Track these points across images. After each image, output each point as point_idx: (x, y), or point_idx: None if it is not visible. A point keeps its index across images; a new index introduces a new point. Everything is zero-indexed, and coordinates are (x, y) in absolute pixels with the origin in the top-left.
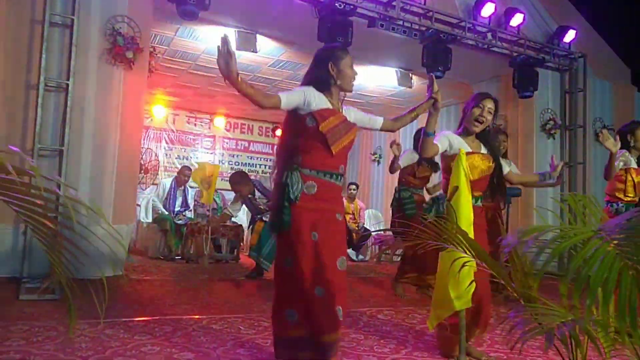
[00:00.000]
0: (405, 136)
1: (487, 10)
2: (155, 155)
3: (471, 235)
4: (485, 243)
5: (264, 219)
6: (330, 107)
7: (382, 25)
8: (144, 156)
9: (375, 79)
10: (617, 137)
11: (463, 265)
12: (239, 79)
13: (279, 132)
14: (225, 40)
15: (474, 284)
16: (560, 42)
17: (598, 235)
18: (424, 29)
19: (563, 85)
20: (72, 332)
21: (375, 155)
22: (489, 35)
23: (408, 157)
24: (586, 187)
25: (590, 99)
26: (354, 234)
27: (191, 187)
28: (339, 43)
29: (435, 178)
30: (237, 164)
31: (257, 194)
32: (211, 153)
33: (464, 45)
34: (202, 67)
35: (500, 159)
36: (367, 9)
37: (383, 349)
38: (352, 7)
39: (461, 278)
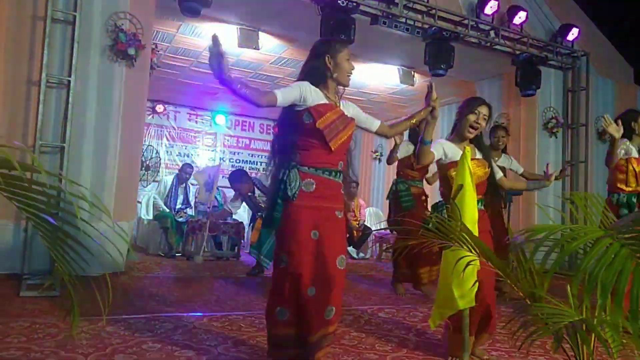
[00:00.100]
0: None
1: (490, 8)
2: (157, 152)
3: (475, 234)
4: (490, 245)
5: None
6: (327, 102)
7: (384, 23)
8: (145, 153)
9: (377, 76)
10: (607, 116)
11: (468, 264)
12: (232, 78)
13: None
14: (216, 40)
15: (477, 284)
16: (563, 40)
17: (608, 234)
18: (426, 26)
19: (566, 83)
20: (75, 330)
21: (377, 154)
22: (492, 33)
23: (404, 148)
24: (588, 185)
25: (593, 98)
26: (354, 232)
27: (192, 184)
28: (338, 38)
29: (434, 167)
30: (238, 161)
31: (257, 192)
32: (212, 150)
33: (466, 43)
34: (204, 64)
35: (496, 158)
36: (369, 6)
37: (384, 347)
38: (354, 4)
39: (465, 277)
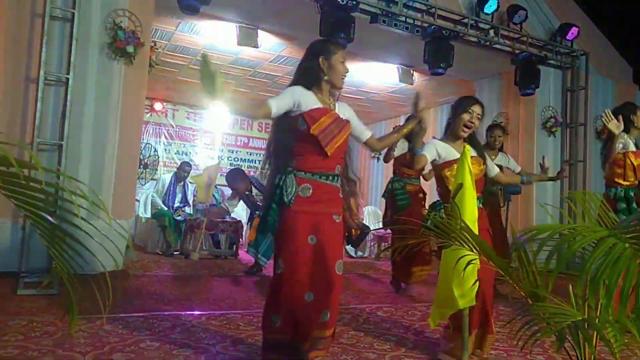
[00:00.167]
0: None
1: (490, 7)
2: (155, 150)
3: (476, 233)
4: (489, 244)
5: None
6: (321, 105)
7: (384, 22)
8: (143, 151)
9: (376, 75)
10: (620, 118)
11: (468, 264)
12: (226, 97)
13: None
14: (206, 59)
15: (477, 283)
16: (563, 39)
17: (613, 234)
18: (426, 25)
19: (565, 83)
20: (73, 329)
21: (375, 153)
22: (492, 32)
23: (400, 146)
24: (586, 184)
25: (592, 97)
26: (352, 230)
27: (191, 182)
28: (334, 38)
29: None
30: (236, 159)
31: (255, 190)
32: (211, 149)
33: (466, 42)
34: None
35: (493, 157)
36: (369, 4)
37: (383, 346)
38: (354, 2)
39: (465, 276)
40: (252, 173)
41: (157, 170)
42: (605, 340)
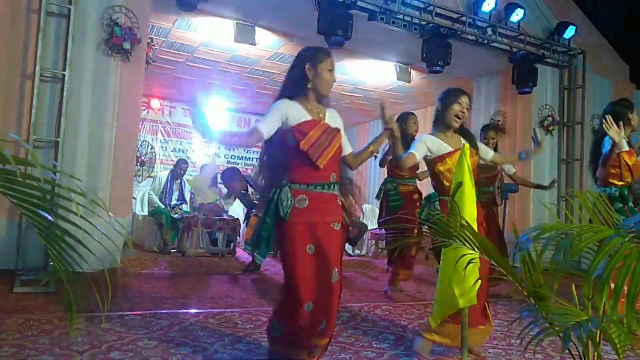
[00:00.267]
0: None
1: (488, 5)
2: (152, 147)
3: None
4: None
5: (259, 214)
6: (309, 117)
7: (382, 19)
8: (140, 149)
9: (374, 73)
10: (609, 118)
11: (469, 262)
12: (219, 135)
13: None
14: (195, 101)
15: (479, 282)
16: (560, 38)
17: (619, 234)
18: (424, 23)
19: (562, 81)
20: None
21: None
22: (489, 30)
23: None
24: (583, 183)
25: (589, 96)
26: (350, 228)
27: (187, 180)
28: (329, 39)
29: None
30: (233, 157)
31: (251, 189)
32: (207, 146)
33: (464, 41)
34: (199, 59)
35: (482, 145)
36: (367, 2)
37: (381, 344)
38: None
39: (466, 275)
40: (248, 171)
41: (154, 167)
42: (611, 340)
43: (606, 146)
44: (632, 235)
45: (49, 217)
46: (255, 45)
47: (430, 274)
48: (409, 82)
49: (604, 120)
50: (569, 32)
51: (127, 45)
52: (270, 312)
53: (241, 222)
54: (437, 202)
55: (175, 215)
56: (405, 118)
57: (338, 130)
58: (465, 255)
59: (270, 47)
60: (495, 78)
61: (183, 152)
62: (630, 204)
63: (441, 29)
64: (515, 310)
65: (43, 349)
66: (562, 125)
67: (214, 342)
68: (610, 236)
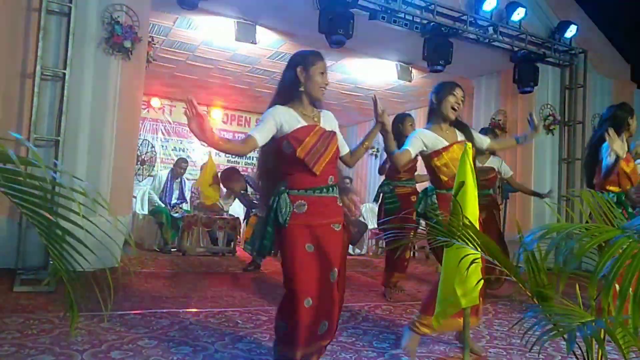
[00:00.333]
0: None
1: (489, 4)
2: (152, 146)
3: None
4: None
5: (258, 213)
6: (304, 123)
7: (383, 18)
8: (140, 147)
9: (374, 72)
10: (612, 132)
11: (472, 262)
12: (215, 138)
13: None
14: (191, 103)
15: (481, 282)
16: (562, 37)
17: (626, 234)
18: (425, 22)
19: (563, 80)
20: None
21: (374, 149)
22: (491, 29)
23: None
24: (583, 183)
25: (590, 95)
26: (350, 228)
27: (188, 179)
28: (314, 49)
29: (422, 168)
30: (233, 156)
31: (250, 189)
32: (208, 145)
33: (465, 40)
34: (199, 58)
35: (484, 159)
36: (368, 0)
37: (382, 344)
38: None
39: (468, 275)
40: (248, 170)
41: (154, 166)
42: (616, 341)
43: (605, 153)
44: (639, 235)
45: (50, 217)
46: (256, 44)
47: (430, 273)
48: (410, 81)
49: (606, 135)
50: (571, 31)
51: (127, 44)
52: (271, 312)
53: (241, 221)
54: (435, 196)
55: (176, 215)
56: (402, 119)
57: (334, 133)
58: (468, 255)
59: (271, 46)
60: (496, 77)
61: (183, 151)
62: (630, 210)
63: (442, 28)
64: (516, 310)
65: (43, 348)
66: (563, 125)
67: (215, 342)
68: (617, 236)
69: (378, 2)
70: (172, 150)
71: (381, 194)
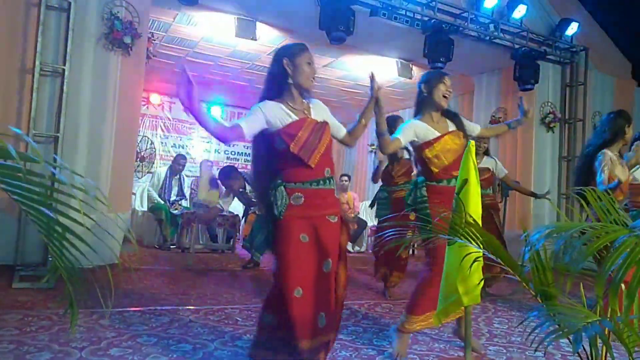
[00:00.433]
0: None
1: (490, 1)
2: (151, 143)
3: None
4: None
5: (257, 211)
6: (295, 117)
7: (384, 15)
8: (140, 144)
9: (375, 69)
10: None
11: (475, 260)
12: (202, 111)
13: None
14: (184, 70)
15: (482, 281)
16: (562, 35)
17: (634, 234)
18: (426, 19)
19: (564, 78)
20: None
21: (373, 147)
22: (492, 26)
23: (381, 162)
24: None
25: (591, 93)
26: (350, 225)
27: (187, 176)
28: (299, 42)
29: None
30: (233, 153)
31: (248, 187)
32: (207, 142)
33: (466, 37)
34: (199, 55)
35: (479, 160)
36: None
37: (382, 341)
38: None
39: (470, 273)
40: (247, 168)
41: (153, 163)
42: (623, 341)
43: (599, 166)
44: None
45: (50, 214)
46: (256, 40)
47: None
48: (410, 78)
49: (603, 166)
50: (572, 29)
51: (127, 40)
52: None
53: (240, 218)
54: (425, 188)
55: (175, 212)
56: (394, 121)
57: (326, 123)
58: (470, 253)
59: (271, 43)
60: (497, 74)
61: (183, 147)
62: None
63: (443, 25)
64: (515, 308)
65: (42, 345)
66: (564, 122)
67: (214, 339)
68: (624, 236)
69: None
70: (172, 147)
71: (377, 200)
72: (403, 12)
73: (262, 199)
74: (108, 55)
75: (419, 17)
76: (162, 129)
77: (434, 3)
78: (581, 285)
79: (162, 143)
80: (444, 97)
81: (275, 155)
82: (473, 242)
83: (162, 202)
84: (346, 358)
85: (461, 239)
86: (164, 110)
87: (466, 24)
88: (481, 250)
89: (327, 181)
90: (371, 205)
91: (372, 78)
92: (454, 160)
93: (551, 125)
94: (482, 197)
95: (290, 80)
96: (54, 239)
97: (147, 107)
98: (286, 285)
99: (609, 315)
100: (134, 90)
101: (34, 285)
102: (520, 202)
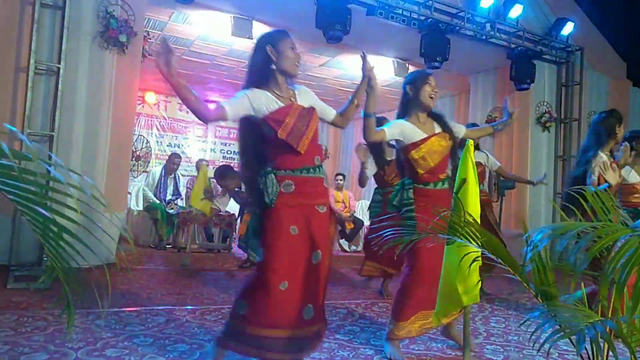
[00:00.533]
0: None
1: (487, 0)
2: (147, 142)
3: None
4: None
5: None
6: (282, 104)
7: (381, 14)
8: (135, 143)
9: None
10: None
11: (474, 260)
12: (180, 82)
13: None
14: (164, 39)
15: (480, 283)
16: (558, 34)
17: (635, 233)
18: (423, 18)
19: (560, 78)
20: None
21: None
22: (488, 26)
23: (372, 165)
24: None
25: (586, 93)
26: (346, 224)
27: (182, 175)
28: (280, 29)
29: None
30: (229, 152)
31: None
32: (203, 141)
33: (462, 36)
34: (195, 54)
35: (454, 124)
36: None
37: (379, 341)
38: None
39: (469, 273)
40: None
41: (149, 162)
42: (625, 341)
43: (590, 167)
44: None
45: (46, 214)
46: (252, 39)
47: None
48: None
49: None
50: (567, 29)
51: (123, 38)
52: None
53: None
54: (411, 190)
55: (171, 211)
56: (380, 123)
57: (312, 109)
58: (470, 252)
59: None
60: (493, 74)
61: (179, 147)
62: None
63: (440, 24)
64: (512, 307)
65: (37, 346)
66: (559, 122)
67: (211, 339)
68: (626, 235)
69: None
70: (167, 146)
71: (371, 202)
72: (400, 11)
73: (251, 187)
74: (103, 53)
75: (415, 16)
76: (157, 128)
77: (430, 2)
78: (582, 284)
79: (157, 142)
80: (431, 97)
81: (263, 143)
82: (472, 242)
83: (158, 202)
84: (344, 358)
85: (460, 239)
86: (160, 109)
87: (462, 23)
88: (480, 250)
89: (317, 169)
90: (369, 209)
91: (364, 58)
92: (439, 161)
93: (547, 125)
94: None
95: (274, 67)
96: (50, 239)
97: (143, 106)
98: (271, 278)
99: (609, 315)
100: (129, 89)
101: (29, 286)
102: (517, 201)
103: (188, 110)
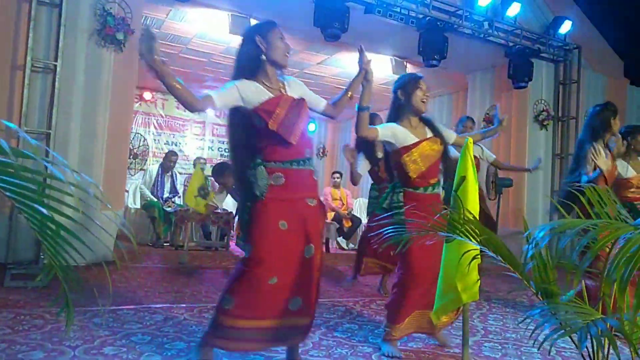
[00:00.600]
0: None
1: None
2: (144, 140)
3: None
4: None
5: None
6: (271, 94)
7: (379, 12)
8: (132, 141)
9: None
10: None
11: (474, 258)
12: (164, 69)
13: None
14: (146, 26)
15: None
16: (556, 33)
17: (637, 231)
18: (421, 16)
19: (557, 76)
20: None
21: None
22: (486, 24)
23: (363, 164)
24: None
25: (584, 91)
26: (344, 221)
27: (180, 173)
28: (268, 20)
29: None
30: (227, 150)
31: None
32: (201, 139)
33: (460, 34)
34: (193, 51)
35: (444, 130)
36: None
37: (377, 339)
38: None
39: (469, 270)
40: None
41: (146, 160)
42: (629, 339)
43: (583, 157)
44: None
45: (44, 211)
46: None
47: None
48: None
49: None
50: (565, 27)
51: (120, 36)
52: None
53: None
54: (402, 194)
55: (168, 209)
56: (372, 119)
57: (303, 100)
58: (470, 250)
59: None
60: (491, 72)
61: (176, 145)
62: None
63: (438, 23)
64: (510, 305)
65: (34, 344)
66: (557, 120)
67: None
68: (629, 233)
69: None
70: (165, 144)
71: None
72: (398, 9)
73: (241, 179)
74: (100, 51)
75: (413, 14)
76: (155, 126)
77: (428, 0)
78: (583, 282)
79: (155, 140)
80: (422, 102)
81: (254, 134)
82: (472, 239)
83: (155, 200)
84: (342, 356)
85: (460, 236)
86: (157, 107)
87: (461, 21)
88: (479, 247)
89: (307, 161)
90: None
91: (361, 50)
92: (430, 166)
93: (544, 123)
94: None
95: (264, 57)
96: (48, 237)
97: (140, 104)
98: (259, 274)
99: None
100: (126, 87)
101: (26, 284)
102: (514, 199)
103: (185, 108)
